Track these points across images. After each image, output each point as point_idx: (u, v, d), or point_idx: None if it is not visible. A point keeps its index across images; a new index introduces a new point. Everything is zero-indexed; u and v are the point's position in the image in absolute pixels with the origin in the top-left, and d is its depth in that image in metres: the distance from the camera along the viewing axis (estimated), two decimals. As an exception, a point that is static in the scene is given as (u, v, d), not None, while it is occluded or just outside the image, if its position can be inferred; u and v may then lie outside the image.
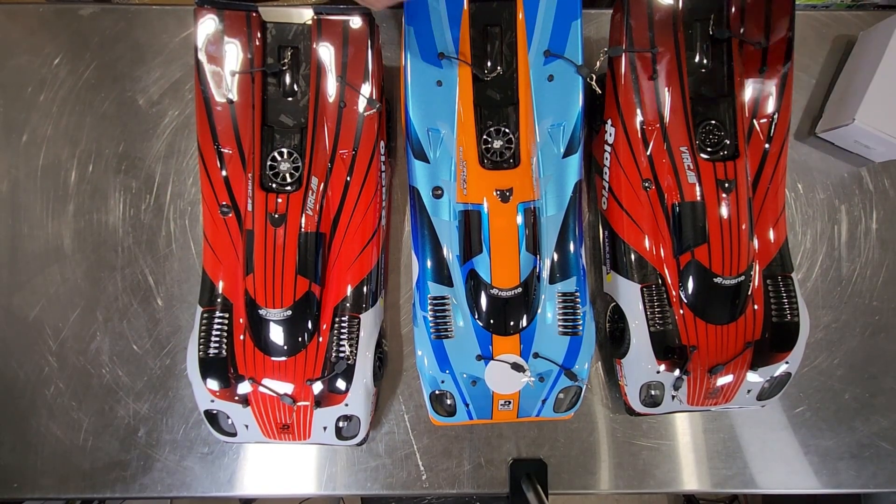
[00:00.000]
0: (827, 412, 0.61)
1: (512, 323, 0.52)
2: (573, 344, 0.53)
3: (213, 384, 0.51)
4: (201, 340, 0.51)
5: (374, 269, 0.54)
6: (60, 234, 0.61)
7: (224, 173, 0.53)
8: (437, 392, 0.54)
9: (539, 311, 0.52)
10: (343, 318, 0.52)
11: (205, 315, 0.52)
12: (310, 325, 0.51)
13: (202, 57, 0.52)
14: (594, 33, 0.64)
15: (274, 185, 0.52)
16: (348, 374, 0.51)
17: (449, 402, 0.54)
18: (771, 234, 0.54)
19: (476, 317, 0.52)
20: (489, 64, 0.54)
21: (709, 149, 0.53)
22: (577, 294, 0.53)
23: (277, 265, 0.50)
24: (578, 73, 0.53)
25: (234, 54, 0.52)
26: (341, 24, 0.52)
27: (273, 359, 0.51)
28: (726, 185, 0.50)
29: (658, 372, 0.53)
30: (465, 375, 0.52)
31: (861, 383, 0.61)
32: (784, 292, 0.53)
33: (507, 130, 0.53)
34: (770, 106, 0.54)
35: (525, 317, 0.52)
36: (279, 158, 0.52)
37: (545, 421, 0.59)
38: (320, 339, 0.52)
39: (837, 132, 0.60)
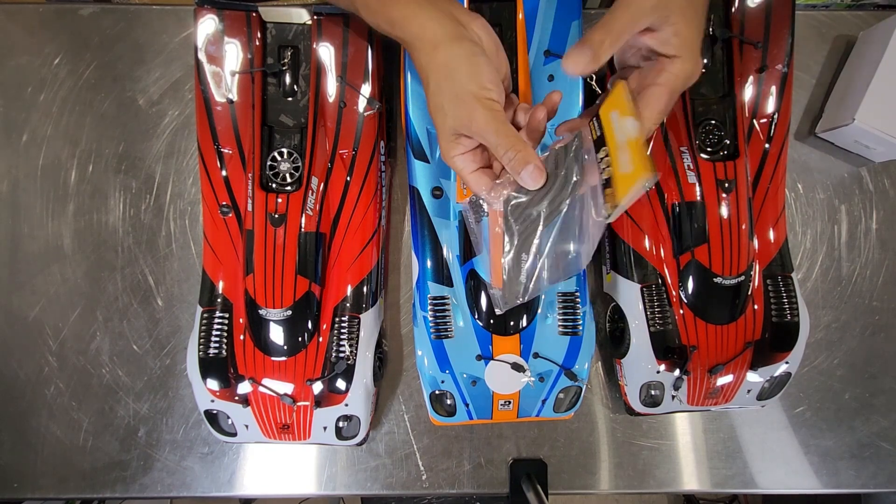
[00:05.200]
0: (827, 412, 0.61)
1: (512, 323, 0.52)
2: (573, 344, 0.53)
3: (213, 384, 0.51)
4: (201, 340, 0.51)
5: (374, 269, 0.54)
6: (60, 234, 0.61)
7: (224, 173, 0.53)
8: (437, 392, 0.54)
9: (539, 311, 0.52)
10: (343, 318, 0.52)
11: (205, 315, 0.52)
12: (310, 325, 0.51)
13: (202, 57, 0.52)
14: (594, 33, 0.64)
15: (274, 185, 0.52)
16: (348, 374, 0.51)
17: (449, 402, 0.54)
18: (771, 234, 0.54)
19: (476, 317, 0.52)
20: (489, 64, 0.54)
21: (709, 149, 0.53)
22: (577, 294, 0.53)
23: (277, 265, 0.50)
24: (578, 73, 0.53)
25: (234, 54, 0.52)
26: (341, 24, 0.52)
27: (273, 359, 0.51)
28: (726, 185, 0.50)
29: (658, 372, 0.53)
30: (465, 375, 0.52)
31: (861, 383, 0.61)
32: (784, 292, 0.53)
33: (507, 130, 0.53)
34: (770, 106, 0.54)
35: (525, 317, 0.52)
36: (279, 158, 0.52)
37: (545, 421, 0.59)
38: (320, 339, 0.52)
39: (837, 132, 0.60)
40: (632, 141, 0.37)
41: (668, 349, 0.52)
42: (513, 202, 0.40)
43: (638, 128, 0.37)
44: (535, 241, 0.40)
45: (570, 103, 0.54)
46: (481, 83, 0.39)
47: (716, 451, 0.60)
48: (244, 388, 0.52)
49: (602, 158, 0.38)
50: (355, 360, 0.52)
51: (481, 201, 0.41)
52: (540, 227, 0.39)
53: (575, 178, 0.39)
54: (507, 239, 0.40)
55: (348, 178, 0.53)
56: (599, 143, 0.39)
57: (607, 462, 0.60)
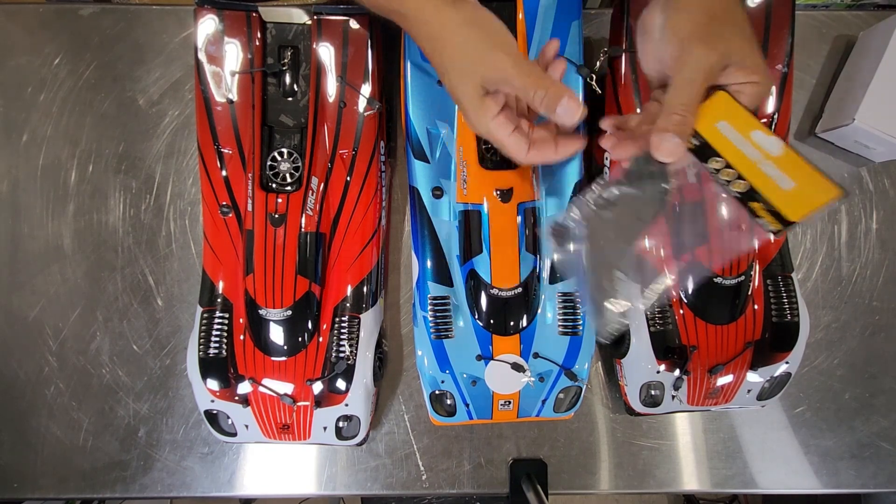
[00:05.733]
0: (827, 412, 0.61)
1: (512, 323, 0.52)
2: (573, 344, 0.53)
3: (213, 384, 0.51)
4: (201, 340, 0.51)
5: (374, 269, 0.54)
6: (60, 234, 0.61)
7: (224, 173, 0.53)
8: (437, 392, 0.54)
9: (539, 311, 0.52)
10: (343, 318, 0.52)
11: (205, 315, 0.52)
12: (310, 325, 0.51)
13: (202, 57, 0.52)
14: (594, 33, 0.64)
15: (274, 185, 0.52)
16: (348, 374, 0.51)
17: (449, 402, 0.54)
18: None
19: (476, 317, 0.52)
20: (489, 64, 0.54)
21: (709, 149, 0.53)
22: (578, 294, 0.53)
23: (277, 265, 0.50)
24: (578, 73, 0.53)
25: (234, 54, 0.52)
26: (341, 24, 0.52)
27: (273, 359, 0.51)
28: (726, 185, 0.50)
29: (658, 372, 0.53)
30: (465, 375, 0.52)
31: (861, 383, 0.61)
32: (784, 292, 0.53)
33: (507, 130, 0.53)
34: (770, 106, 0.54)
35: (525, 317, 0.52)
36: (279, 158, 0.52)
37: (545, 421, 0.59)
38: (320, 339, 0.52)
39: (837, 132, 0.60)
40: (781, 157, 0.35)
41: (668, 349, 0.52)
42: (595, 216, 0.38)
43: (778, 142, 0.35)
44: (627, 258, 0.38)
45: (570, 103, 0.53)
46: (500, 32, 0.39)
47: (716, 451, 0.60)
48: (244, 388, 0.52)
49: (717, 171, 0.36)
50: (355, 360, 0.52)
51: (568, 223, 0.39)
52: (631, 241, 0.37)
53: (664, 186, 0.37)
54: (595, 260, 0.38)
55: (348, 178, 0.53)
56: (702, 153, 0.37)
57: (607, 462, 0.60)
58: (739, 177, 0.36)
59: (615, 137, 0.41)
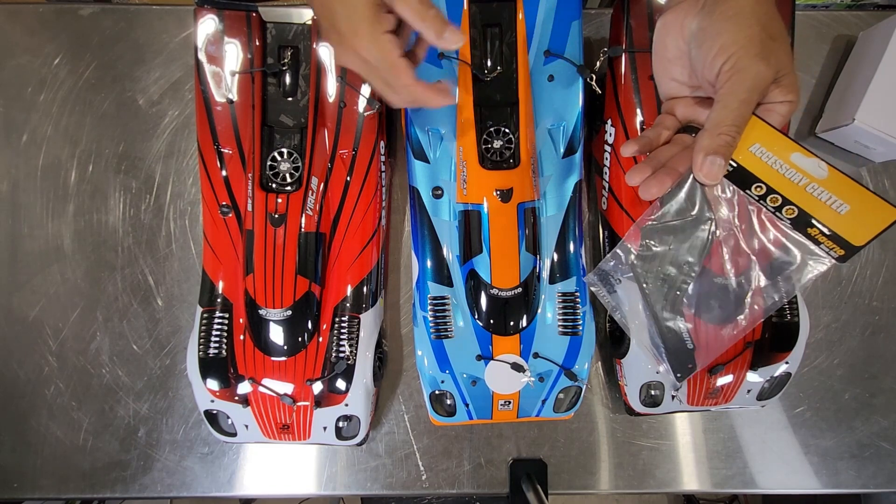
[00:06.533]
0: (827, 412, 0.61)
1: (512, 323, 0.52)
2: (573, 344, 0.53)
3: (213, 384, 0.51)
4: (201, 340, 0.51)
5: (374, 269, 0.54)
6: (60, 234, 0.61)
7: (224, 173, 0.53)
8: (437, 392, 0.54)
9: (539, 311, 0.52)
10: (343, 318, 0.52)
11: (205, 315, 0.52)
12: (310, 325, 0.51)
13: (202, 57, 0.52)
14: (594, 33, 0.64)
15: (274, 185, 0.52)
16: (348, 374, 0.51)
17: (449, 402, 0.54)
18: (771, 234, 0.54)
19: (476, 317, 0.52)
20: (489, 64, 0.54)
21: (709, 149, 0.53)
22: (577, 294, 0.53)
23: (277, 265, 0.50)
24: (579, 73, 0.53)
25: (234, 54, 0.52)
26: (341, 24, 0.52)
27: (273, 359, 0.51)
28: (726, 185, 0.50)
29: (658, 372, 0.53)
30: (465, 375, 0.52)
31: (861, 383, 0.61)
32: (784, 292, 0.53)
33: (507, 130, 0.53)
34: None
35: (525, 317, 0.52)
36: (279, 158, 0.52)
37: (545, 421, 0.59)
38: (320, 339, 0.52)
39: (837, 132, 0.60)
40: (828, 179, 0.34)
41: (668, 349, 0.52)
42: (644, 261, 0.36)
43: (822, 164, 0.34)
44: (688, 297, 0.37)
45: (570, 103, 0.54)
46: None
47: (716, 451, 0.60)
48: (244, 388, 0.52)
49: (760, 197, 0.34)
50: (355, 360, 0.52)
51: (610, 270, 0.37)
52: (689, 281, 0.36)
53: (708, 216, 0.36)
54: (654, 307, 0.37)
55: (348, 178, 0.53)
56: (739, 178, 0.35)
57: (607, 462, 0.60)
58: (785, 202, 0.34)
59: (641, 171, 0.38)
